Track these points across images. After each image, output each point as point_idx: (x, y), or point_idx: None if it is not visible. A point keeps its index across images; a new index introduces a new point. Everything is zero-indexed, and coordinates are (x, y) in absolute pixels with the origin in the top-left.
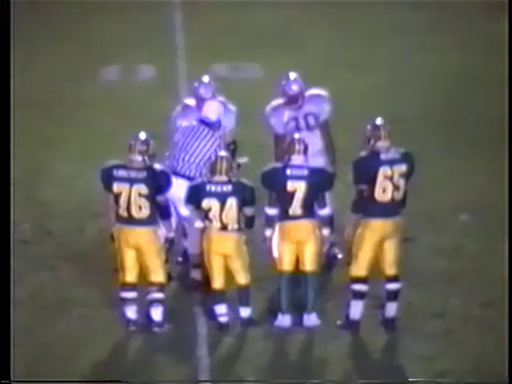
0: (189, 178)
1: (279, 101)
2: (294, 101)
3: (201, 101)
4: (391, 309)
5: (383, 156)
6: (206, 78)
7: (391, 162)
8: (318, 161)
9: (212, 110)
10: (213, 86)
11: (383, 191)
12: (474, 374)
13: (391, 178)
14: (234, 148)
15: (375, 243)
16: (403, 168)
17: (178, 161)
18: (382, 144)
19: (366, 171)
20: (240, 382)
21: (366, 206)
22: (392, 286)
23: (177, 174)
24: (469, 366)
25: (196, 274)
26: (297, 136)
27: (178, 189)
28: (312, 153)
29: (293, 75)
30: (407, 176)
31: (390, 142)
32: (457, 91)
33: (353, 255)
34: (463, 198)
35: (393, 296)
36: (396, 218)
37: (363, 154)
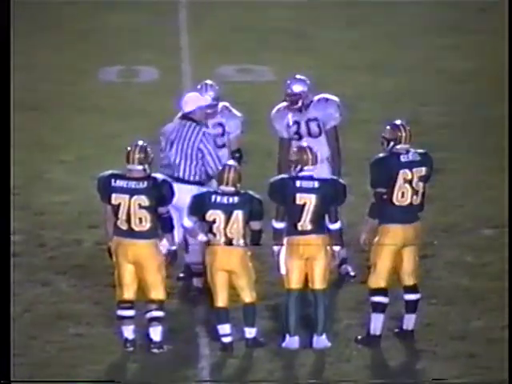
0: (188, 182)
1: (284, 103)
2: (294, 102)
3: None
4: (410, 321)
5: (403, 158)
6: (209, 81)
7: (411, 165)
8: (323, 170)
9: (188, 100)
10: (217, 88)
11: (402, 195)
12: None
13: (410, 182)
14: (239, 156)
15: (395, 251)
16: (423, 171)
17: (172, 166)
18: (402, 146)
19: (384, 173)
20: None
21: (384, 212)
22: (411, 297)
23: (174, 179)
24: (501, 378)
25: (198, 283)
26: (305, 144)
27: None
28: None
29: (299, 75)
30: (426, 179)
31: (409, 144)
32: (483, 96)
33: (371, 265)
34: (487, 211)
35: (412, 307)
36: (415, 223)
37: (382, 155)
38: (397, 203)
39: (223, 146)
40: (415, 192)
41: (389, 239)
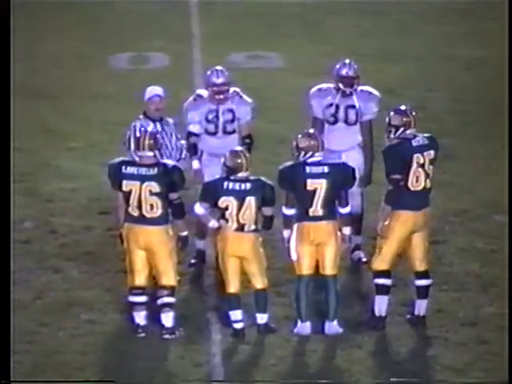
0: None
1: (329, 84)
2: (348, 85)
3: (214, 91)
4: (422, 307)
5: (414, 142)
6: (219, 67)
7: (422, 149)
8: (354, 156)
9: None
10: (226, 74)
11: (416, 180)
12: None
13: (423, 166)
14: (249, 142)
15: (403, 237)
16: (431, 154)
17: None
18: (412, 131)
19: (399, 160)
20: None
21: (399, 198)
22: (423, 283)
23: None
24: (501, 379)
25: (200, 245)
26: (311, 131)
27: None
28: (347, 147)
29: (348, 60)
30: (435, 162)
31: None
32: (492, 84)
33: (377, 247)
34: (498, 197)
35: (424, 293)
36: (426, 209)
37: (394, 142)
38: (412, 188)
39: (234, 132)
40: (427, 175)
41: (399, 225)
